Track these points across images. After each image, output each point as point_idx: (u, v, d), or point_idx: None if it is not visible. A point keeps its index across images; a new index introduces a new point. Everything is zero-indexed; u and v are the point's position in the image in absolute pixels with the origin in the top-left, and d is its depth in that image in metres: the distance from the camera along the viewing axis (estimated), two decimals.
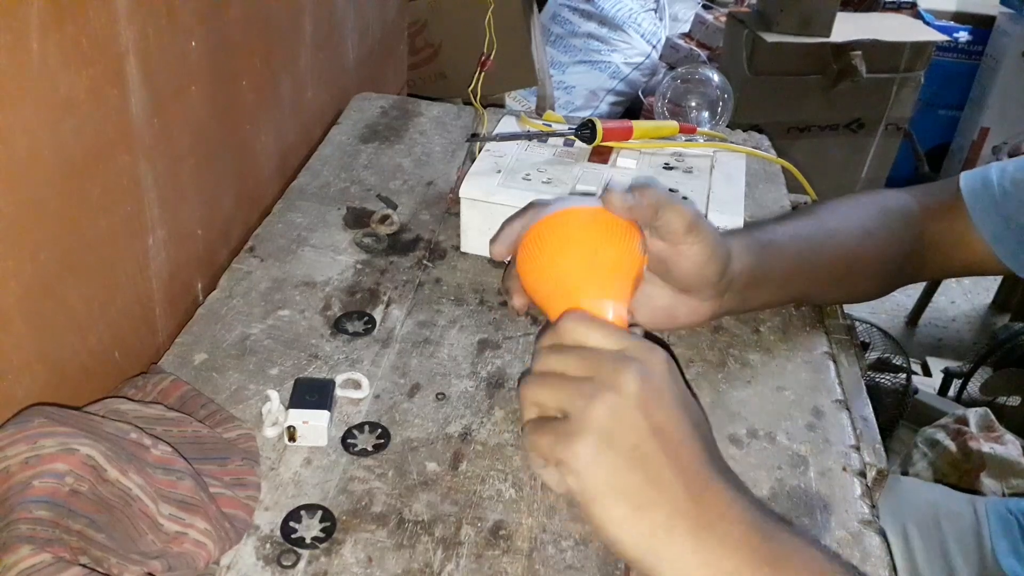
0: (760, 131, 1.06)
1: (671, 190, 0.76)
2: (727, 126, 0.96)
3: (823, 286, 0.71)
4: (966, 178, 0.74)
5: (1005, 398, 1.73)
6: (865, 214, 0.72)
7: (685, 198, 0.73)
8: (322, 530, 0.53)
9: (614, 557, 0.52)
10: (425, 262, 0.79)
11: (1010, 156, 2.04)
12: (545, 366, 0.48)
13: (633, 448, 0.44)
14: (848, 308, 0.79)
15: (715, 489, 0.44)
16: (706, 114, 0.92)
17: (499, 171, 0.77)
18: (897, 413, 1.70)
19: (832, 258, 0.69)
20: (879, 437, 0.65)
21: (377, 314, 0.72)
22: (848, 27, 2.23)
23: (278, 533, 0.53)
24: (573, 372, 0.46)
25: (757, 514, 0.44)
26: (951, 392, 1.85)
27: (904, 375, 1.72)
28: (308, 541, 0.52)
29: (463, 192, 0.75)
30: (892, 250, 0.72)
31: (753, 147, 0.98)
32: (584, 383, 0.45)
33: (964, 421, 1.50)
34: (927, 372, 2.00)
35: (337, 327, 0.70)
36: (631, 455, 0.44)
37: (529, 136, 0.82)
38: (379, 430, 0.61)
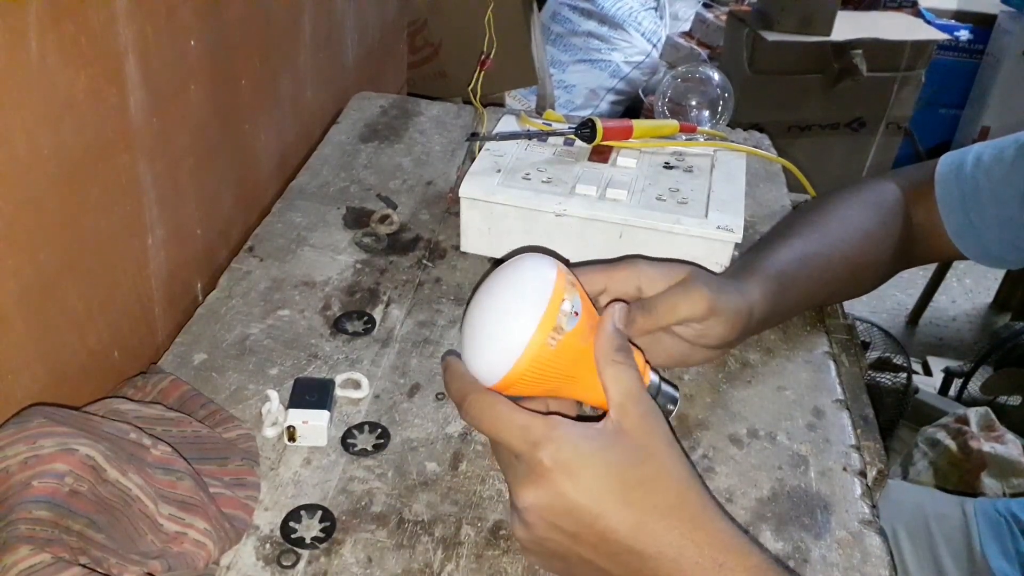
0: (761, 130, 1.06)
1: (672, 190, 0.76)
2: (727, 125, 0.96)
3: (828, 295, 0.72)
4: (943, 163, 0.74)
5: (1006, 397, 1.73)
6: (863, 215, 0.72)
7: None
8: (322, 530, 0.53)
9: None
10: (425, 262, 0.79)
11: None
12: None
13: (555, 555, 0.47)
14: (849, 308, 0.79)
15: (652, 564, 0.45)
16: (706, 113, 0.92)
17: (499, 170, 0.77)
18: (897, 413, 1.70)
19: (838, 268, 0.69)
20: (880, 437, 0.65)
21: (377, 314, 0.72)
22: (849, 26, 2.23)
23: (278, 533, 0.53)
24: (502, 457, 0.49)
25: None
26: (952, 391, 1.84)
27: (905, 374, 1.71)
28: (308, 541, 0.52)
29: (463, 191, 0.75)
30: (889, 246, 0.72)
31: (754, 146, 0.98)
32: (508, 471, 0.48)
33: (965, 420, 1.50)
34: (928, 371, 2.00)
35: (337, 327, 0.70)
36: (557, 559, 0.47)
37: (529, 135, 0.82)
38: (379, 430, 0.61)
